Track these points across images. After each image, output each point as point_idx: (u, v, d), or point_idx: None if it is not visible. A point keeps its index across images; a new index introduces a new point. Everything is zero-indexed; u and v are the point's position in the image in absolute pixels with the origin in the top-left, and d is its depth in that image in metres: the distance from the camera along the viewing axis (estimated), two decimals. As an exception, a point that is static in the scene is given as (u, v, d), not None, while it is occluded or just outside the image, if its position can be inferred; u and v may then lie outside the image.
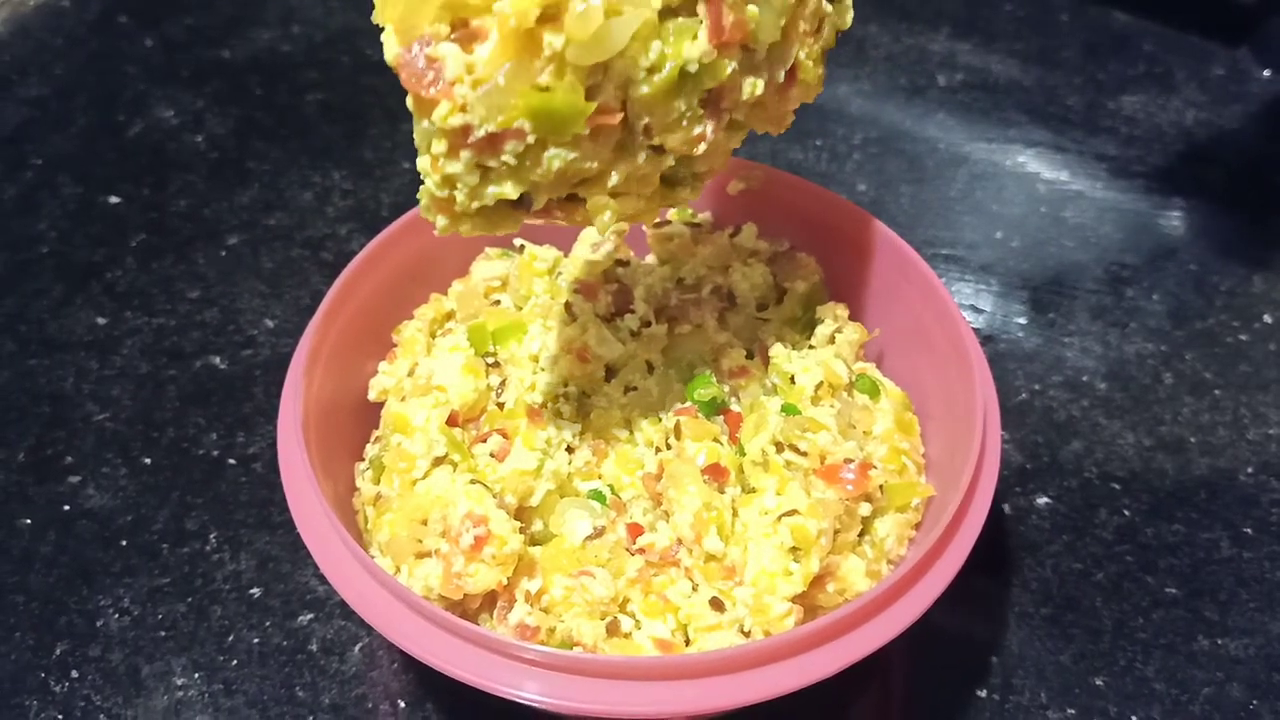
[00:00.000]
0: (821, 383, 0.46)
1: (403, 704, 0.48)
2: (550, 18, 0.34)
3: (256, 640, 0.50)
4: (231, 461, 0.56)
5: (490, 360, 0.49)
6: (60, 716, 0.47)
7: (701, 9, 0.36)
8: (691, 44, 0.36)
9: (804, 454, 0.44)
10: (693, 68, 0.36)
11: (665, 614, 0.41)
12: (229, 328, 0.63)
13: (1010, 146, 0.75)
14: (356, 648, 0.49)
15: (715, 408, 0.46)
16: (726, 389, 0.47)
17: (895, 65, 0.82)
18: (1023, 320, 0.64)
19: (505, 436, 0.45)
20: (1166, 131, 0.76)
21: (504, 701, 0.37)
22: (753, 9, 0.37)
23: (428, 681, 0.48)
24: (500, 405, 0.47)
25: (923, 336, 0.49)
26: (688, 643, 0.41)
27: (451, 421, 0.46)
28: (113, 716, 0.47)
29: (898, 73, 0.81)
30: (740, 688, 0.36)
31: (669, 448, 0.45)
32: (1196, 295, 0.65)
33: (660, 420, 0.46)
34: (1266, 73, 0.80)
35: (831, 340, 0.50)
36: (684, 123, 0.38)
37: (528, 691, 0.36)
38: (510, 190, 0.37)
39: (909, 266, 0.49)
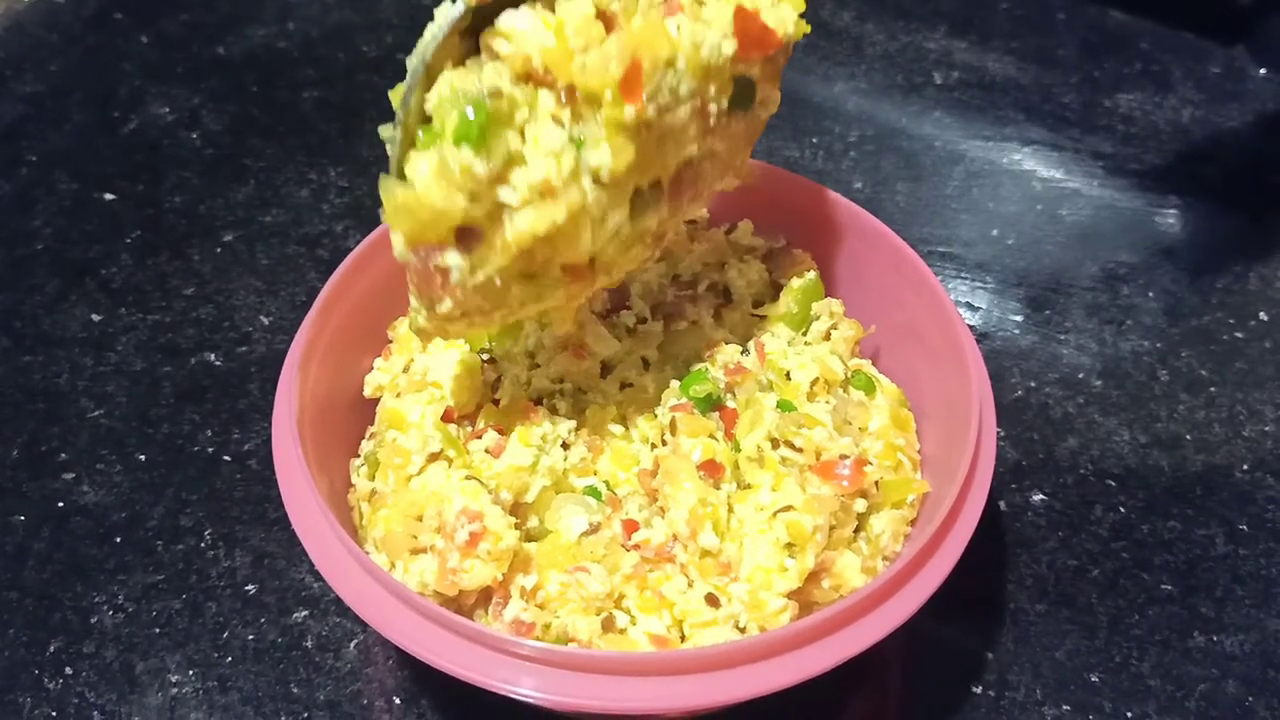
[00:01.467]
0: (817, 379, 0.46)
1: (398, 700, 0.48)
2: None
3: (251, 637, 0.50)
4: (227, 458, 0.56)
5: (486, 357, 0.49)
6: (54, 714, 0.47)
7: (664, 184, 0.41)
8: (652, 214, 0.41)
9: (799, 450, 0.44)
10: (649, 227, 0.41)
11: (661, 610, 0.41)
12: (224, 324, 0.63)
13: (1007, 144, 0.75)
14: (352, 644, 0.49)
15: (711, 404, 0.46)
16: (722, 385, 0.47)
17: (891, 63, 0.81)
18: (1018, 318, 0.64)
19: (501, 433, 0.45)
20: (1163, 130, 0.76)
21: (500, 697, 0.37)
22: (706, 167, 0.42)
23: (423, 678, 0.48)
24: (495, 401, 0.47)
25: (918, 333, 0.49)
26: (683, 639, 0.41)
27: (447, 418, 0.46)
28: (107, 714, 0.47)
29: (894, 70, 0.81)
30: (736, 683, 0.36)
31: (664, 444, 0.45)
32: (1192, 293, 0.65)
33: (656, 416, 0.46)
34: (1263, 71, 0.80)
35: (827, 336, 0.50)
36: (636, 255, 0.43)
37: (523, 687, 0.36)
38: (493, 328, 0.45)
39: (905, 263, 0.49)
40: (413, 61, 0.38)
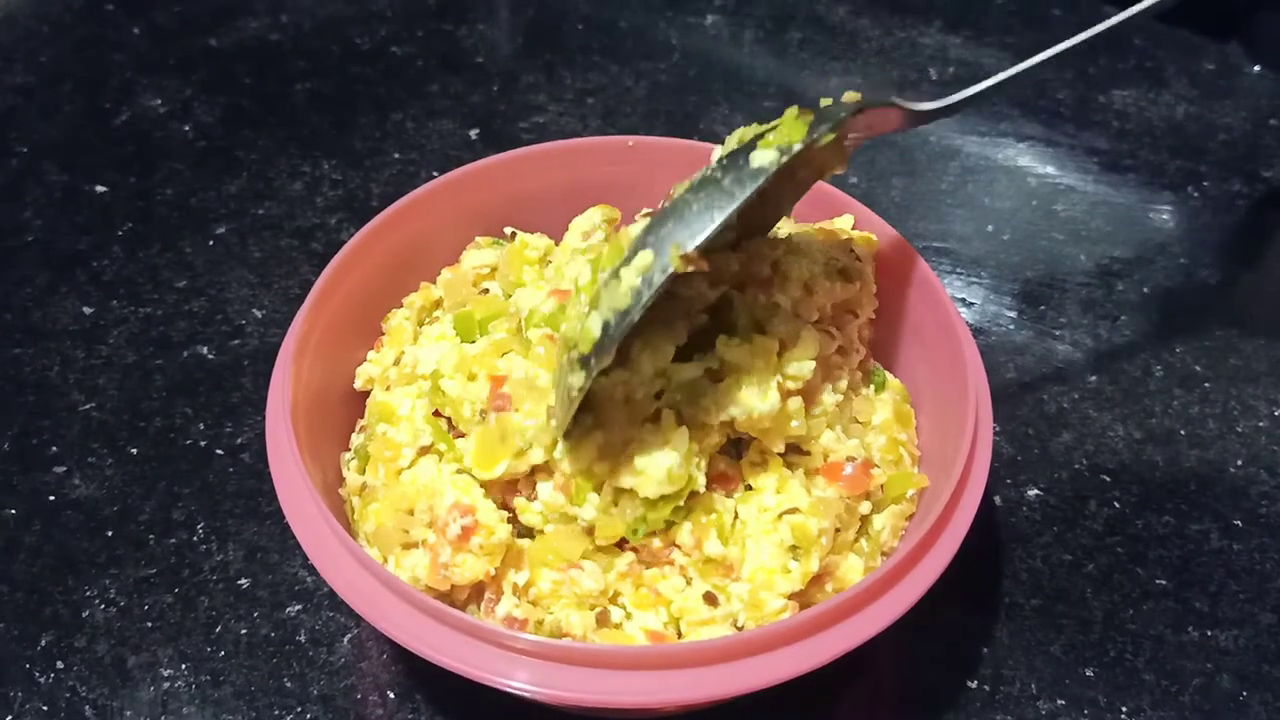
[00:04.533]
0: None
1: (392, 695, 0.48)
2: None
3: (244, 631, 0.49)
4: (219, 452, 0.56)
5: (478, 349, 0.48)
6: (45, 708, 0.47)
7: None
8: None
9: (806, 453, 0.43)
10: None
11: (657, 606, 0.41)
12: (217, 317, 0.63)
13: (1001, 140, 0.75)
14: (345, 639, 0.49)
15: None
16: None
17: (887, 59, 0.81)
18: (1013, 313, 0.64)
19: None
20: (1157, 126, 0.76)
21: (494, 691, 0.37)
22: None
23: (417, 673, 0.48)
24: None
25: (915, 328, 0.49)
26: (679, 636, 0.41)
27: (438, 411, 0.45)
28: (99, 708, 0.47)
29: (889, 66, 0.81)
30: (731, 677, 0.36)
31: None
32: (1186, 289, 0.66)
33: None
34: (1257, 68, 0.80)
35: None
36: None
37: (517, 680, 0.36)
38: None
39: (902, 258, 0.49)
40: (600, 315, 0.36)
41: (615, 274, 0.37)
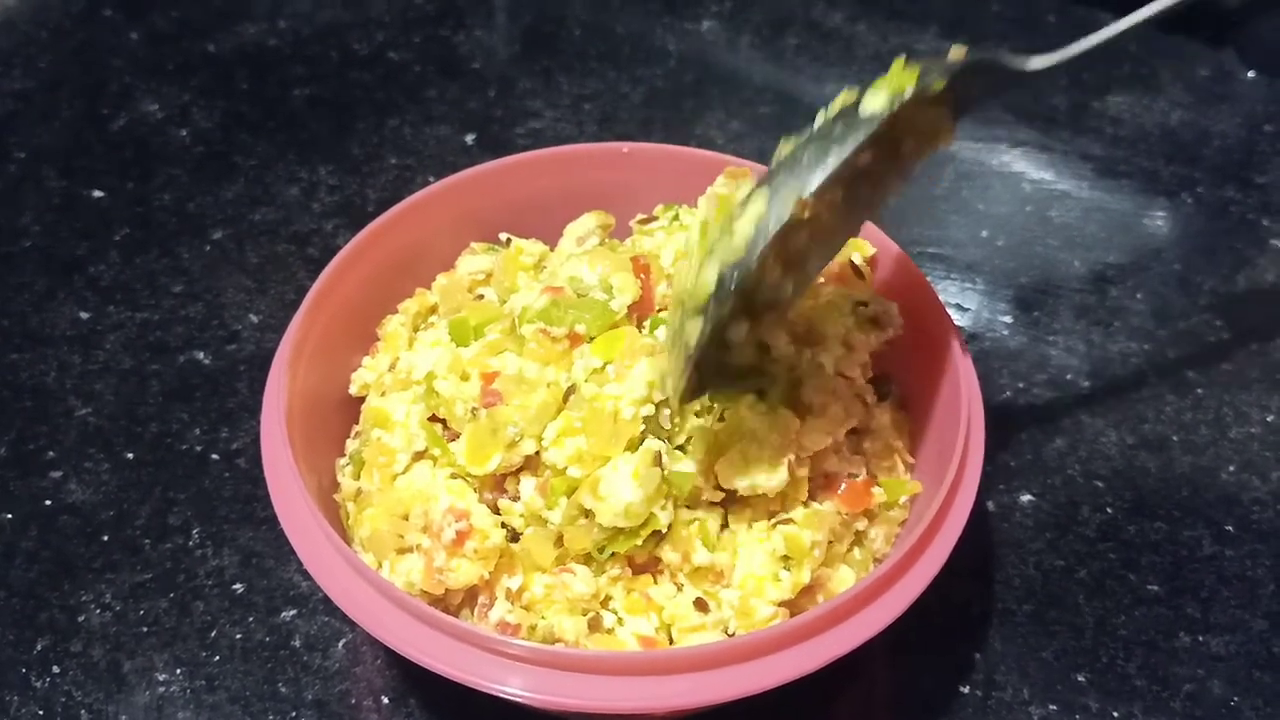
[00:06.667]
0: None
1: (386, 700, 0.48)
2: None
3: (239, 636, 0.49)
4: (215, 457, 0.56)
5: (472, 355, 0.48)
6: (41, 712, 0.47)
7: None
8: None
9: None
10: None
11: (648, 612, 0.41)
12: (213, 323, 0.63)
13: (997, 146, 0.75)
14: (340, 644, 0.49)
15: None
16: None
17: (883, 64, 0.80)
18: (1007, 319, 0.64)
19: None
20: (1151, 132, 0.76)
21: (488, 697, 0.37)
22: None
23: (412, 677, 0.48)
24: None
25: (909, 333, 0.49)
26: (671, 643, 0.41)
27: (432, 416, 0.45)
28: (94, 712, 0.47)
29: (885, 71, 0.81)
30: (723, 683, 0.36)
31: None
32: (1180, 295, 0.66)
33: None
34: (1251, 74, 0.80)
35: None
36: None
37: (511, 686, 0.36)
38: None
39: (896, 263, 0.49)
40: (714, 266, 0.36)
41: (727, 229, 0.36)
